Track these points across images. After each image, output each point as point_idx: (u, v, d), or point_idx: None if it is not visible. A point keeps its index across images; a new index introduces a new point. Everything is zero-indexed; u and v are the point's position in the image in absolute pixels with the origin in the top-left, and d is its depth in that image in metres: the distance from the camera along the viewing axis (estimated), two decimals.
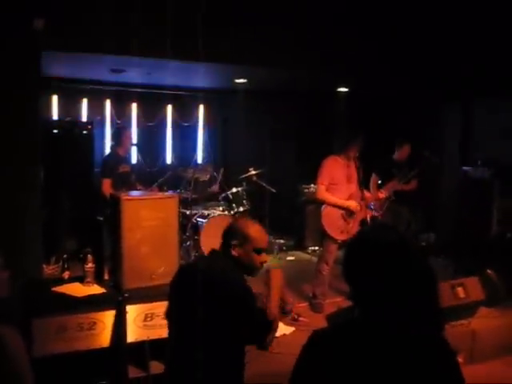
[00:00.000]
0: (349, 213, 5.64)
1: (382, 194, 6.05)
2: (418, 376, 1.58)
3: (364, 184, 5.96)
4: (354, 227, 5.64)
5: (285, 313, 2.99)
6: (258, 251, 2.76)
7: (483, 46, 6.63)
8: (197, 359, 2.57)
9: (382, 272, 1.64)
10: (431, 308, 1.68)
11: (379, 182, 6.91)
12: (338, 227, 5.59)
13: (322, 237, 5.79)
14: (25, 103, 4.98)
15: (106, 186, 6.14)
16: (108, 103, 8.70)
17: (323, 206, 5.64)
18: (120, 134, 6.64)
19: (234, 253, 2.76)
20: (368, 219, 5.81)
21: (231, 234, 2.80)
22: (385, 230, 1.81)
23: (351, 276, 1.73)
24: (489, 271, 5.92)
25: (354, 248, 1.75)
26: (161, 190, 6.50)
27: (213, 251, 2.90)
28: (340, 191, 5.62)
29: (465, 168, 7.48)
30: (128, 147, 6.68)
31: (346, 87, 8.38)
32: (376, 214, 6.82)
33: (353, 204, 5.62)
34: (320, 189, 5.63)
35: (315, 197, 5.88)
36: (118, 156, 6.45)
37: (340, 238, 5.57)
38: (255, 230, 2.78)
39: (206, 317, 2.54)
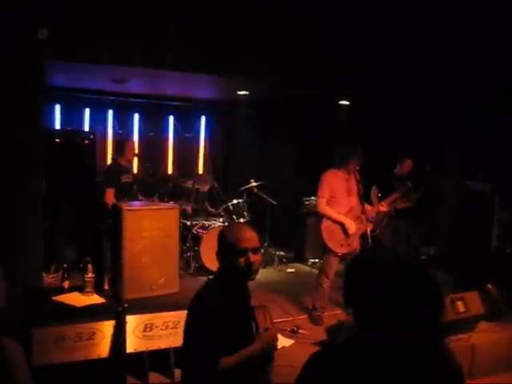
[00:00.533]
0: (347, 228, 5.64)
1: (383, 207, 6.04)
2: None
3: (364, 197, 5.96)
4: (354, 241, 5.64)
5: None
6: (239, 253, 2.52)
7: (484, 60, 6.66)
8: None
9: (381, 295, 1.64)
10: (433, 323, 1.67)
11: (379, 195, 6.92)
12: (338, 241, 5.58)
13: (323, 250, 5.78)
14: (28, 112, 5.01)
15: (109, 196, 6.14)
16: (110, 113, 8.74)
17: (323, 220, 5.63)
18: (122, 144, 6.66)
19: (219, 263, 2.65)
20: (368, 233, 5.80)
21: (217, 244, 2.66)
22: (382, 251, 1.81)
23: (351, 298, 1.73)
24: (489, 285, 5.90)
25: (352, 272, 1.75)
26: (162, 200, 6.52)
27: None
28: (340, 204, 5.62)
29: (465, 182, 7.49)
30: (130, 157, 6.69)
31: (346, 100, 8.41)
32: (375, 227, 6.83)
33: (351, 225, 5.58)
34: (320, 202, 5.63)
35: (316, 210, 5.88)
36: (121, 166, 6.46)
37: (340, 251, 5.56)
38: (230, 232, 2.62)
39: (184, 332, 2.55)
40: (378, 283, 1.64)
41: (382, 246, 1.95)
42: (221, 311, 2.43)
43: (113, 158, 6.77)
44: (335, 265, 5.65)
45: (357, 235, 5.68)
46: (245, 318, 2.61)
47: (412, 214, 7.03)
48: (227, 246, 2.56)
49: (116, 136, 8.56)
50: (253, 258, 2.54)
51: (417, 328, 1.63)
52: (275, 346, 2.64)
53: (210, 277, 2.82)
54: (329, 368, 1.65)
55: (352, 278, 1.74)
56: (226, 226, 2.64)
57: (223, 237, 2.61)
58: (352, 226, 5.59)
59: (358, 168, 5.72)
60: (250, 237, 2.58)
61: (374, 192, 7.06)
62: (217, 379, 2.39)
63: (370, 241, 5.70)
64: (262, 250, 8.17)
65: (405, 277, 1.66)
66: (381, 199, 6.54)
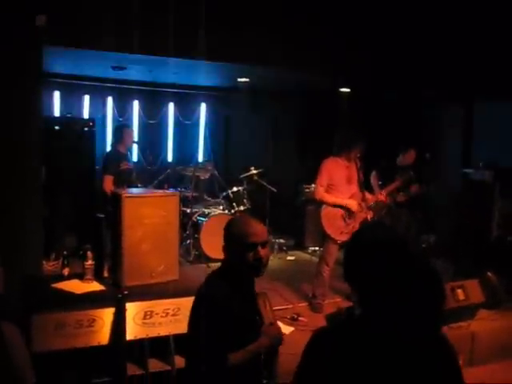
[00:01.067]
0: (349, 213, 5.62)
1: (382, 196, 6.01)
2: (419, 376, 1.58)
3: (365, 184, 5.94)
4: (354, 228, 5.62)
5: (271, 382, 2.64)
6: (248, 248, 2.44)
7: (485, 48, 6.62)
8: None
9: (382, 271, 1.63)
10: (433, 308, 1.67)
11: (379, 182, 6.89)
12: (338, 228, 5.57)
13: (323, 238, 5.78)
14: (26, 99, 4.97)
15: (108, 183, 6.11)
16: (110, 100, 8.70)
17: (323, 207, 5.61)
18: (121, 131, 6.62)
19: (225, 256, 2.56)
20: (369, 220, 5.79)
21: (223, 236, 2.57)
22: (382, 228, 1.81)
23: (351, 276, 1.73)
24: (489, 273, 5.91)
25: (352, 248, 1.74)
26: (161, 188, 6.48)
27: None
28: (340, 192, 5.60)
29: (466, 170, 7.47)
30: (129, 144, 6.66)
31: (347, 87, 8.37)
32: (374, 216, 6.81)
33: (352, 203, 5.60)
34: (318, 190, 5.61)
35: (313, 197, 5.87)
36: (119, 153, 6.43)
37: (340, 238, 5.55)
38: (238, 226, 2.52)
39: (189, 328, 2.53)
40: (379, 260, 1.64)
41: (381, 223, 1.91)
42: (228, 305, 2.39)
43: (111, 145, 6.73)
44: (335, 252, 5.65)
45: (357, 222, 5.66)
46: (250, 313, 2.56)
47: (412, 202, 7.01)
48: (235, 240, 2.47)
49: (116, 123, 8.52)
50: (262, 252, 2.46)
51: (418, 313, 1.62)
52: (281, 340, 2.61)
53: (211, 268, 2.76)
54: (329, 348, 1.65)
55: (352, 254, 1.73)
56: (232, 219, 2.56)
57: (231, 230, 2.52)
58: (353, 204, 5.58)
59: (358, 156, 5.70)
60: (259, 230, 2.49)
61: (374, 178, 7.01)
62: (225, 375, 2.36)
63: None
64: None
65: (405, 255, 1.66)
66: (381, 187, 6.52)
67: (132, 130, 6.92)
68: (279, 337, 2.58)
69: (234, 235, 2.49)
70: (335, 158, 5.65)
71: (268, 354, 2.54)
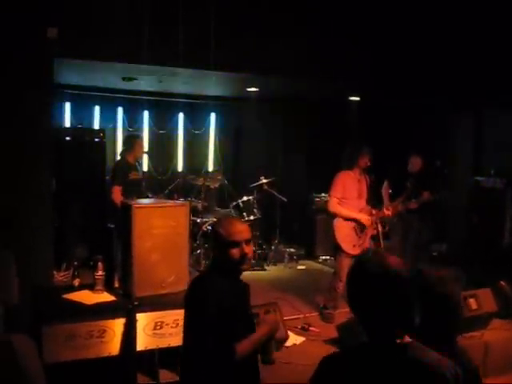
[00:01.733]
0: (360, 227, 5.62)
1: (388, 212, 5.96)
2: None
3: (376, 197, 5.92)
4: (365, 242, 5.62)
5: (266, 361, 2.80)
6: (233, 245, 2.62)
7: (495, 56, 6.59)
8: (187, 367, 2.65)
9: (382, 301, 1.67)
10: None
11: (390, 191, 6.87)
12: (350, 241, 5.55)
13: (335, 251, 5.74)
14: (37, 111, 5.01)
15: (117, 193, 6.10)
16: (120, 111, 8.75)
17: (335, 220, 5.61)
18: (131, 141, 6.63)
19: (214, 255, 2.80)
20: (380, 233, 5.77)
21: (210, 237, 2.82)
22: (382, 260, 1.82)
23: (354, 305, 1.77)
24: (501, 282, 5.85)
25: (353, 279, 1.79)
26: (171, 198, 6.48)
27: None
28: (351, 206, 5.61)
29: (477, 178, 7.43)
30: (139, 155, 6.66)
31: (357, 96, 8.36)
32: (386, 223, 6.78)
33: (365, 217, 5.60)
34: (332, 202, 5.61)
35: (327, 210, 5.84)
36: (128, 163, 6.41)
37: (353, 252, 5.51)
38: (223, 226, 2.70)
39: (188, 327, 2.63)
40: (377, 290, 1.68)
41: (381, 254, 1.92)
42: (222, 298, 2.52)
43: (121, 155, 6.73)
44: (348, 266, 5.60)
45: (367, 236, 5.66)
46: (241, 305, 2.71)
47: (423, 209, 6.97)
48: (221, 239, 2.65)
49: (126, 133, 8.56)
50: (246, 248, 2.64)
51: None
52: (279, 326, 2.84)
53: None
54: (339, 373, 1.68)
55: (353, 283, 1.78)
56: (218, 220, 2.89)
57: (216, 231, 2.72)
58: (366, 218, 5.60)
59: (368, 165, 5.68)
60: (241, 229, 2.69)
61: (386, 188, 7.01)
62: (232, 367, 2.48)
63: (381, 241, 5.69)
64: (273, 247, 8.18)
65: (403, 285, 1.70)
66: (392, 196, 6.50)
67: (142, 140, 6.93)
68: (277, 323, 2.81)
69: (219, 234, 2.67)
70: (348, 171, 5.65)
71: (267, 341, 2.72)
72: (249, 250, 2.67)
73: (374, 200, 5.83)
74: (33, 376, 2.30)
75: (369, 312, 1.70)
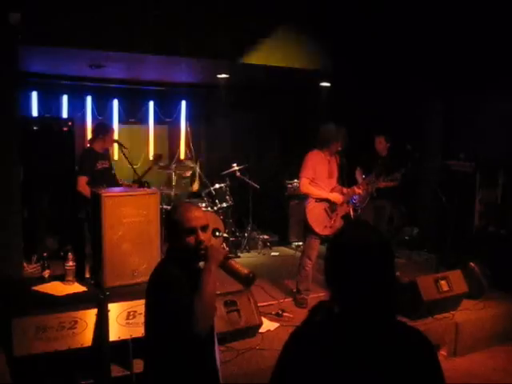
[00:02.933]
0: (332, 208, 5.64)
1: (359, 190, 6.01)
2: (398, 368, 1.59)
3: (349, 179, 5.95)
4: (336, 222, 5.65)
5: (247, 282, 2.63)
6: (190, 231, 2.48)
7: (465, 41, 6.65)
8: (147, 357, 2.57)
9: (362, 272, 1.64)
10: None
11: (363, 176, 6.93)
12: (321, 222, 5.58)
13: (305, 232, 5.78)
14: (2, 100, 4.88)
15: (82, 184, 5.97)
16: (89, 99, 8.60)
17: (307, 202, 5.63)
18: (100, 129, 6.49)
19: (169, 243, 2.62)
20: (351, 214, 5.81)
21: (164, 224, 2.61)
22: (364, 228, 1.80)
23: (332, 277, 1.72)
24: (472, 264, 5.96)
25: (333, 251, 1.74)
26: (141, 186, 6.39)
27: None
28: (321, 186, 5.63)
29: (447, 162, 7.51)
30: (109, 144, 6.54)
31: (328, 82, 8.36)
32: (358, 207, 6.85)
33: (337, 196, 5.63)
34: (303, 182, 5.62)
35: (299, 190, 5.86)
36: (95, 152, 6.27)
37: (324, 233, 5.56)
38: (179, 213, 2.54)
39: (147, 314, 2.52)
40: (360, 261, 1.64)
41: (364, 224, 1.89)
42: (183, 284, 2.39)
43: (89, 144, 6.59)
44: (317, 246, 5.66)
45: (339, 216, 5.69)
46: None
47: (394, 194, 7.05)
48: (176, 225, 2.50)
49: (95, 122, 8.42)
50: (202, 236, 2.50)
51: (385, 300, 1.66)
52: (225, 251, 2.64)
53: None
54: (310, 344, 1.65)
55: (333, 255, 1.73)
56: (172, 206, 2.69)
57: (171, 217, 2.57)
58: (337, 197, 5.64)
59: (340, 150, 5.71)
60: (198, 215, 2.53)
61: (359, 173, 7.10)
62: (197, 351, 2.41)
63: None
64: (246, 234, 8.17)
65: (387, 255, 1.69)
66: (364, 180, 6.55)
67: (113, 131, 6.80)
68: (222, 248, 2.59)
69: (174, 221, 2.52)
70: (318, 151, 5.66)
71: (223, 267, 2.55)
72: (205, 237, 2.52)
73: (346, 184, 5.85)
74: None
75: (344, 280, 1.67)
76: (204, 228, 2.53)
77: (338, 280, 1.69)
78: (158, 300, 2.44)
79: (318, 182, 5.61)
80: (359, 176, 7.05)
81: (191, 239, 2.48)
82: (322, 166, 5.63)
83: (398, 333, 1.67)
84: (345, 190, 5.80)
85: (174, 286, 2.38)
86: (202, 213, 2.59)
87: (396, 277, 1.71)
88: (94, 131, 6.64)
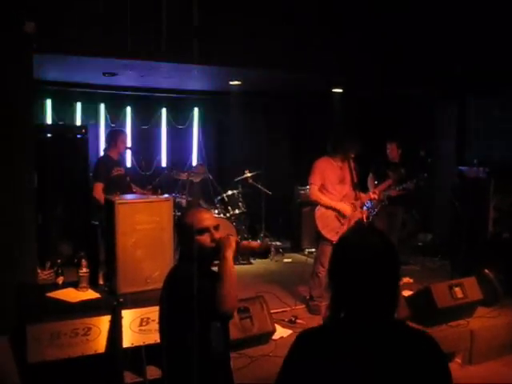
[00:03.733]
0: (342, 214, 5.62)
1: (374, 195, 6.01)
2: (405, 370, 1.58)
3: (362, 186, 5.93)
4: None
5: (263, 254, 2.64)
6: (201, 232, 2.52)
7: (478, 45, 6.62)
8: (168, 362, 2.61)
9: (366, 277, 1.64)
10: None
11: (375, 182, 6.91)
12: (332, 228, 5.56)
13: (317, 238, 5.76)
14: (18, 108, 4.92)
15: (98, 190, 6.03)
16: (102, 107, 8.66)
17: (317, 208, 5.61)
18: (113, 136, 6.56)
19: (183, 248, 2.66)
20: (364, 220, 5.78)
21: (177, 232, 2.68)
22: (370, 232, 1.80)
23: (336, 279, 1.73)
24: (486, 271, 5.90)
25: (336, 254, 1.75)
26: (155, 192, 6.43)
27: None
28: (332, 192, 5.61)
29: (460, 168, 7.47)
30: (121, 150, 6.60)
31: (340, 88, 8.36)
32: (372, 213, 6.82)
33: (346, 208, 5.59)
34: (312, 189, 5.61)
35: (309, 198, 5.86)
36: (111, 159, 6.34)
37: (335, 239, 5.52)
38: (188, 216, 2.61)
39: (164, 320, 2.56)
40: (363, 264, 1.65)
41: (370, 228, 1.87)
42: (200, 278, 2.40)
43: (104, 151, 6.66)
44: (330, 253, 5.62)
45: (351, 222, 5.66)
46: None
47: (407, 200, 7.02)
48: (188, 228, 2.54)
49: (108, 130, 8.48)
50: (216, 234, 2.55)
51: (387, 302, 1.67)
52: (235, 237, 2.62)
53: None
54: (314, 347, 1.66)
55: (336, 258, 1.75)
56: (181, 213, 2.92)
57: (182, 222, 2.63)
58: (347, 209, 5.59)
59: (353, 157, 5.69)
60: (208, 216, 2.61)
61: (371, 180, 7.09)
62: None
63: None
64: (259, 241, 8.15)
65: (390, 258, 1.68)
66: (376, 186, 6.53)
67: (125, 136, 6.86)
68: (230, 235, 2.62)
69: (187, 225, 2.56)
70: (327, 158, 5.65)
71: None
72: (220, 235, 2.55)
73: (360, 189, 5.84)
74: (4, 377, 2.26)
75: (348, 285, 1.67)
76: (216, 227, 2.58)
77: (341, 283, 1.70)
78: (181, 296, 2.42)
79: (329, 188, 5.59)
80: (371, 182, 7.03)
81: (204, 238, 2.52)
82: (330, 171, 5.61)
83: (404, 336, 1.67)
84: (361, 195, 5.78)
85: (193, 280, 2.36)
86: (211, 214, 2.68)
87: (399, 284, 1.71)
88: (107, 139, 6.71)
